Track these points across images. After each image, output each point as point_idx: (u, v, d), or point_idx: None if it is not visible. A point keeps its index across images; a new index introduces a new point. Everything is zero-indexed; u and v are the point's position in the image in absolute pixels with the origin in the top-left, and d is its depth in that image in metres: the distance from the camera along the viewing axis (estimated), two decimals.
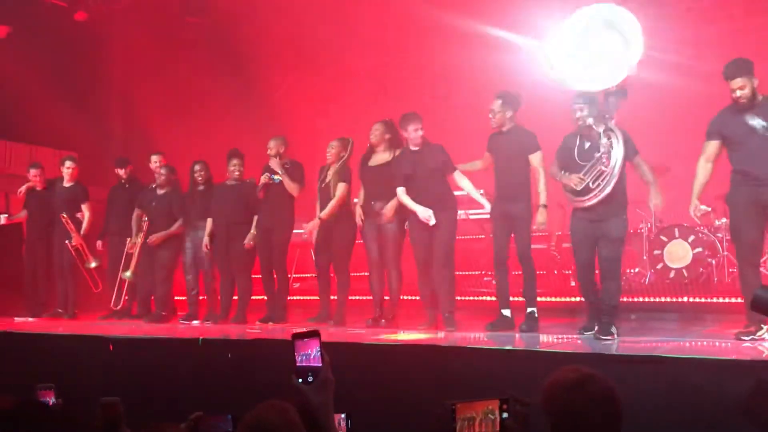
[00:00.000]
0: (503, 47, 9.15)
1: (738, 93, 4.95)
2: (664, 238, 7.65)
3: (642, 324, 6.60)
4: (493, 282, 6.26)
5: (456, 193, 6.45)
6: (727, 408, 3.72)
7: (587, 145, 5.39)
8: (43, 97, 9.04)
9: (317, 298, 7.17)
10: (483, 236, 7.13)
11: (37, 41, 9.35)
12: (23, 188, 8.48)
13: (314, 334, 2.21)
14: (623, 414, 2.16)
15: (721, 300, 6.84)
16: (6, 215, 8.68)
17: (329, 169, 6.90)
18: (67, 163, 8.35)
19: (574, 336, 5.50)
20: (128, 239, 8.03)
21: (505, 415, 2.16)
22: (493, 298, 6.23)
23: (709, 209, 7.38)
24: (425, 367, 4.69)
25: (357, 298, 7.16)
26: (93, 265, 8.24)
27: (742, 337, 4.87)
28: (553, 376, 2.21)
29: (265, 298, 7.32)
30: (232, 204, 7.34)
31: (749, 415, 3.66)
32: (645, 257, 7.85)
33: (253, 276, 7.47)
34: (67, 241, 8.13)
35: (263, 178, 7.12)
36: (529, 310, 5.90)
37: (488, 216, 6.34)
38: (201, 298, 7.85)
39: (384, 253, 6.51)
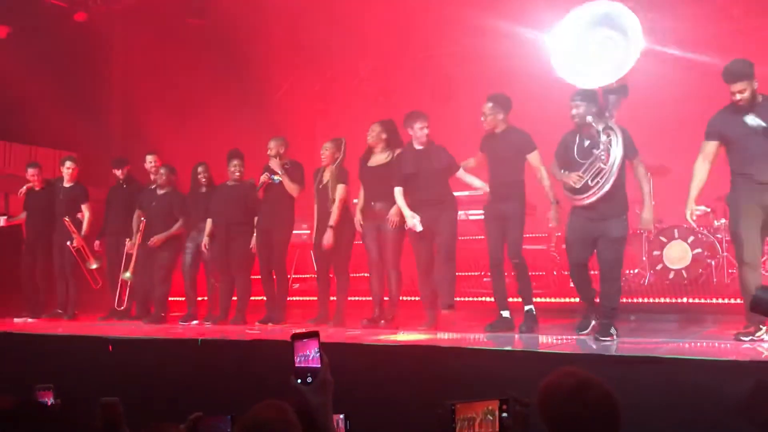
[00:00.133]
0: (505, 47, 9.16)
1: (738, 96, 4.94)
2: (663, 239, 7.66)
3: (641, 325, 6.60)
4: (491, 284, 6.25)
5: (456, 193, 6.46)
6: (727, 409, 3.72)
7: (587, 142, 5.39)
8: (42, 98, 9.03)
9: (317, 298, 7.16)
10: (482, 237, 7.09)
11: (37, 41, 9.35)
12: (23, 189, 8.49)
13: (313, 335, 2.22)
14: (623, 415, 2.14)
15: (720, 301, 6.86)
16: (5, 217, 8.68)
17: (325, 170, 6.90)
18: (67, 164, 8.35)
19: (574, 337, 5.50)
20: (127, 240, 8.03)
21: (504, 415, 2.16)
22: (492, 299, 6.23)
23: (708, 210, 7.43)
24: (424, 367, 4.68)
25: (357, 298, 7.16)
26: (94, 266, 8.25)
27: (742, 338, 4.87)
28: (548, 380, 2.17)
29: (265, 298, 7.33)
30: (232, 204, 7.34)
31: (748, 415, 3.66)
32: (644, 258, 7.86)
33: (253, 277, 7.47)
34: (68, 243, 8.13)
35: (263, 178, 7.13)
36: (526, 308, 5.90)
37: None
38: (200, 299, 7.86)
39: (383, 253, 6.52)
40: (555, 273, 8.20)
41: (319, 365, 2.18)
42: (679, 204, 7.96)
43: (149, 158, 8.18)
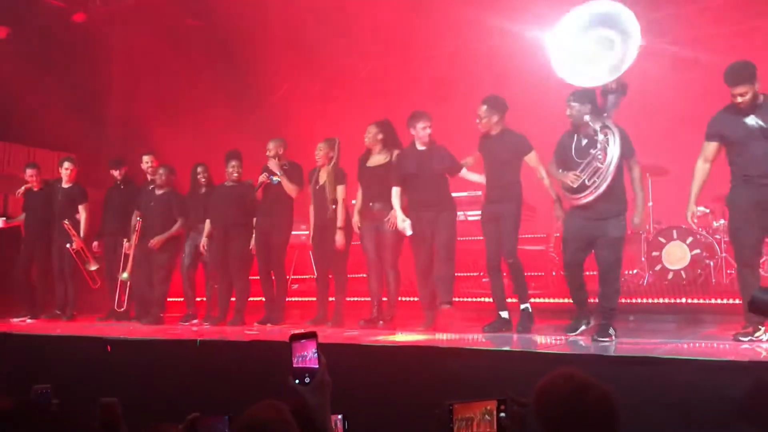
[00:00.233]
0: (505, 47, 9.17)
1: (738, 99, 4.92)
2: (662, 240, 7.66)
3: (640, 325, 6.61)
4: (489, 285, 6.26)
5: (454, 194, 6.46)
6: (726, 409, 3.72)
7: (584, 142, 5.38)
8: (41, 99, 9.03)
9: (315, 299, 7.16)
10: (481, 238, 7.11)
11: (36, 42, 9.36)
12: (21, 190, 8.49)
13: (311, 335, 2.22)
14: (622, 416, 2.13)
15: (719, 301, 6.85)
16: (4, 218, 8.68)
17: (320, 171, 6.90)
18: (66, 164, 8.36)
19: (573, 337, 5.49)
20: (125, 240, 8.03)
21: (502, 415, 2.16)
22: (491, 300, 6.23)
23: (707, 211, 7.43)
24: (423, 368, 4.68)
25: (356, 299, 7.16)
26: (94, 267, 8.26)
27: (740, 338, 4.87)
28: (544, 383, 2.15)
29: (263, 299, 7.33)
30: (230, 205, 7.34)
31: (747, 416, 3.66)
32: (643, 259, 7.86)
33: (252, 277, 7.47)
34: (68, 245, 8.13)
35: (261, 178, 7.12)
36: (522, 307, 5.91)
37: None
38: (198, 299, 7.86)
39: (382, 254, 6.52)
40: (554, 273, 8.20)
41: (317, 366, 2.19)
42: (677, 205, 7.97)
43: (146, 158, 8.17)
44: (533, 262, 7.95)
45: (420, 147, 6.25)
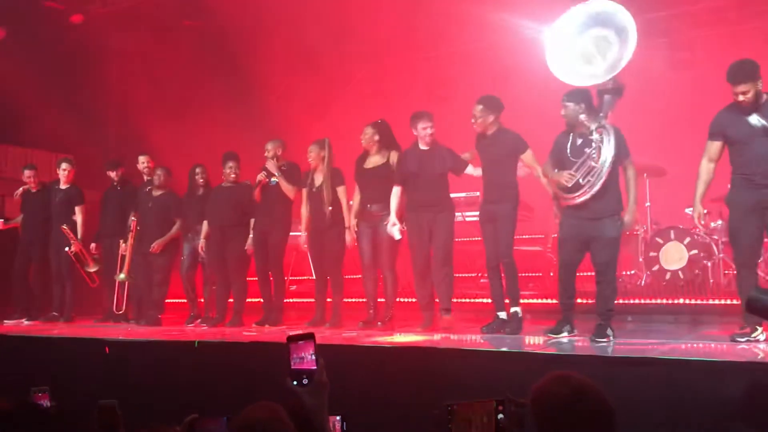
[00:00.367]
0: (503, 47, 9.18)
1: (741, 98, 4.91)
2: (659, 240, 7.67)
3: (638, 326, 6.62)
4: (489, 285, 6.26)
5: (452, 195, 6.46)
6: (724, 410, 3.73)
7: (579, 141, 5.38)
8: (39, 100, 9.02)
9: (314, 300, 7.16)
10: (478, 238, 7.13)
11: (34, 44, 9.34)
12: (19, 191, 8.49)
13: (309, 336, 2.22)
14: (619, 414, 2.13)
15: (716, 302, 6.87)
16: (2, 220, 8.68)
17: (315, 173, 6.89)
18: (63, 165, 8.35)
19: (571, 338, 5.49)
20: (121, 241, 8.02)
21: (500, 416, 2.16)
22: (489, 300, 6.24)
23: (705, 211, 7.43)
24: (421, 369, 4.68)
25: (356, 300, 7.15)
26: (94, 269, 8.26)
27: (738, 339, 4.88)
28: (541, 387, 2.15)
29: (262, 300, 7.32)
30: (228, 206, 7.34)
31: (745, 416, 3.67)
32: (641, 259, 7.87)
33: (250, 279, 7.46)
34: (66, 249, 8.12)
35: (260, 176, 7.11)
36: (512, 310, 5.89)
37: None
38: (200, 300, 7.86)
39: (379, 255, 6.52)
40: (552, 274, 8.20)
41: (315, 367, 2.19)
42: (675, 205, 8.02)
43: (142, 159, 8.17)
44: (531, 263, 7.96)
45: (422, 147, 6.25)
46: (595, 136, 5.21)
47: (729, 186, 5.25)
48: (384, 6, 8.92)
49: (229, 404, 2.94)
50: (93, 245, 8.28)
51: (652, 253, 7.69)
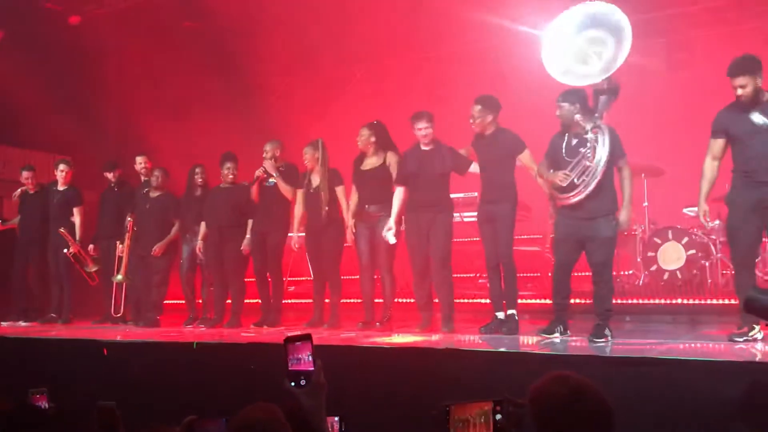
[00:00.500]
0: (502, 48, 9.18)
1: (739, 91, 4.92)
2: (657, 240, 7.67)
3: (636, 326, 6.62)
4: (488, 285, 6.27)
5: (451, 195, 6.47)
6: (722, 410, 3.73)
7: (574, 141, 5.39)
8: (37, 101, 9.01)
9: (312, 301, 7.15)
10: (477, 239, 7.15)
11: (32, 45, 9.33)
12: (17, 192, 8.48)
13: (306, 337, 2.22)
14: (617, 414, 2.13)
15: (714, 302, 6.88)
16: (0, 221, 8.66)
17: (312, 174, 6.89)
18: (61, 167, 8.34)
19: (569, 338, 5.50)
20: (118, 243, 8.02)
21: (498, 416, 2.16)
22: (488, 300, 6.24)
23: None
24: (419, 369, 4.68)
25: (354, 301, 7.15)
26: (94, 269, 8.26)
27: (736, 339, 4.88)
28: (539, 387, 2.15)
29: (260, 301, 7.32)
30: (226, 207, 7.33)
31: (744, 416, 3.67)
32: (639, 259, 7.88)
33: (248, 279, 7.46)
34: (65, 250, 8.11)
35: (258, 172, 7.11)
36: (509, 312, 5.90)
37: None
38: (198, 301, 7.86)
39: (377, 256, 6.52)
40: (550, 274, 8.19)
41: (313, 368, 2.19)
42: (672, 205, 8.04)
43: (139, 159, 8.17)
44: (529, 263, 7.96)
45: (424, 147, 6.26)
46: (590, 135, 5.22)
47: (727, 186, 5.25)
48: (383, 7, 8.93)
49: (228, 405, 2.94)
50: (91, 247, 8.27)
51: (650, 253, 7.70)
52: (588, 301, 5.71)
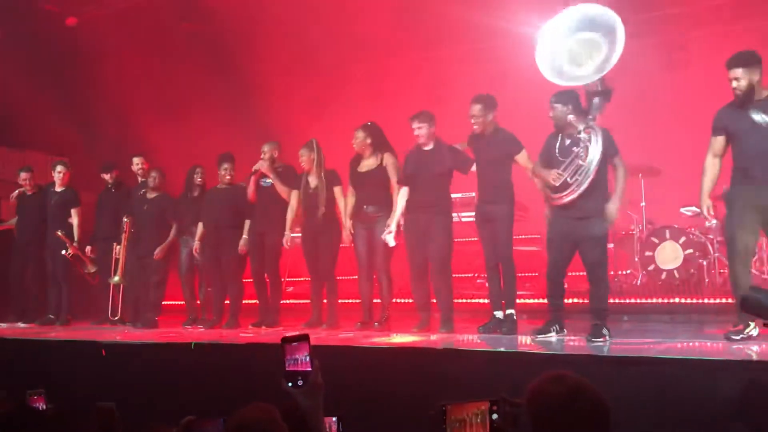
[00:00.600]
0: (499, 48, 9.19)
1: (734, 84, 4.93)
2: (655, 240, 7.69)
3: (634, 325, 6.63)
4: (486, 284, 6.27)
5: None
6: (720, 408, 3.74)
7: (567, 142, 5.41)
8: (34, 102, 9.01)
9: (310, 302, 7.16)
10: (475, 239, 7.17)
11: (29, 46, 9.33)
12: (15, 194, 8.47)
13: (303, 338, 2.22)
14: (615, 414, 2.14)
15: (712, 301, 6.89)
16: None
17: (309, 175, 6.88)
18: (59, 168, 8.33)
19: (567, 338, 5.50)
20: (115, 244, 8.00)
21: (495, 416, 2.16)
22: (486, 300, 6.25)
23: (699, 210, 7.46)
24: (417, 369, 4.68)
25: (353, 301, 7.15)
26: (93, 270, 8.25)
27: (732, 337, 4.89)
28: (536, 386, 2.15)
29: (258, 302, 7.32)
30: (223, 208, 7.33)
31: (741, 415, 3.68)
32: (636, 259, 7.90)
33: (246, 280, 7.46)
34: (63, 252, 8.10)
35: (256, 167, 7.09)
36: (508, 312, 5.91)
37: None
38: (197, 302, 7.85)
39: (374, 256, 6.52)
40: None
41: (310, 368, 2.19)
42: (670, 205, 8.05)
43: (136, 160, 8.16)
44: (527, 263, 7.97)
45: (424, 147, 6.26)
46: (583, 135, 5.25)
47: (724, 186, 5.26)
48: (382, 7, 8.93)
49: (226, 406, 2.94)
50: (89, 248, 8.26)
51: (647, 253, 7.72)
52: (585, 301, 5.71)
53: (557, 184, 5.33)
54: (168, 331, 7.38)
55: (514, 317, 5.90)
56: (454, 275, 6.33)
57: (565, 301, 5.71)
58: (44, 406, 3.34)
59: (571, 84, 5.41)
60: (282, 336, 2.26)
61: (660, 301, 7.19)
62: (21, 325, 8.13)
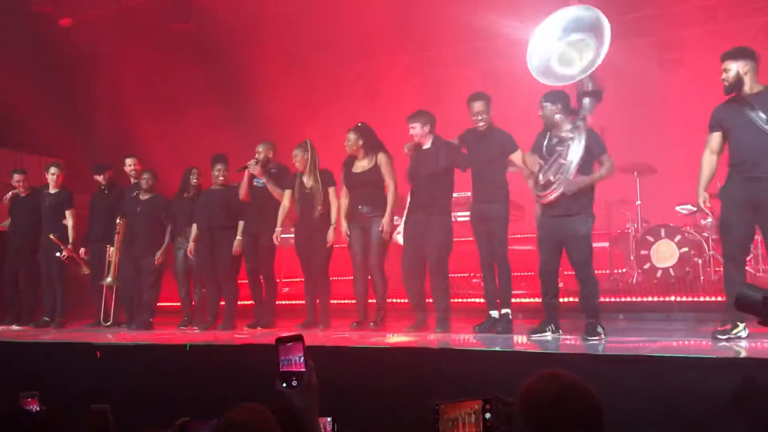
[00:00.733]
0: (495, 49, 9.20)
1: (723, 75, 4.94)
2: (650, 238, 7.70)
3: (629, 324, 6.64)
4: (482, 284, 6.27)
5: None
6: (715, 406, 3.74)
7: (555, 141, 5.44)
8: (28, 104, 8.99)
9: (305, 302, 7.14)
10: (470, 239, 7.17)
11: (23, 47, 9.31)
12: (8, 196, 8.44)
13: (297, 338, 2.22)
14: (611, 412, 2.13)
15: (708, 299, 6.89)
16: None
17: (303, 176, 6.86)
18: (52, 170, 8.29)
19: (564, 337, 5.50)
20: (108, 246, 7.98)
21: (488, 415, 2.16)
22: (481, 300, 6.25)
23: (695, 209, 7.47)
24: (413, 369, 4.68)
25: (348, 302, 7.14)
26: (88, 272, 8.24)
27: (719, 336, 4.85)
28: (529, 385, 2.14)
29: (253, 303, 7.31)
30: (217, 209, 7.31)
31: (736, 413, 3.68)
32: (632, 257, 7.90)
33: (241, 281, 7.44)
34: (57, 254, 8.08)
35: (249, 167, 7.06)
36: (503, 311, 5.91)
37: None
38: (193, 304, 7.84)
39: (368, 256, 6.51)
40: None
41: (304, 369, 2.18)
42: (665, 203, 8.06)
43: (129, 161, 8.13)
44: (522, 262, 7.96)
45: (424, 147, 6.25)
46: (568, 134, 5.27)
47: (719, 184, 5.26)
48: (376, 7, 8.93)
49: (220, 408, 2.93)
50: (82, 250, 8.23)
51: (643, 251, 7.72)
52: (569, 300, 5.73)
53: (540, 177, 5.36)
54: (162, 332, 7.35)
55: (510, 317, 5.90)
56: (450, 275, 6.32)
57: (560, 300, 5.71)
58: (37, 409, 3.32)
59: (560, 84, 5.44)
60: (275, 337, 2.26)
61: (655, 299, 7.20)
62: (15, 327, 8.10)
